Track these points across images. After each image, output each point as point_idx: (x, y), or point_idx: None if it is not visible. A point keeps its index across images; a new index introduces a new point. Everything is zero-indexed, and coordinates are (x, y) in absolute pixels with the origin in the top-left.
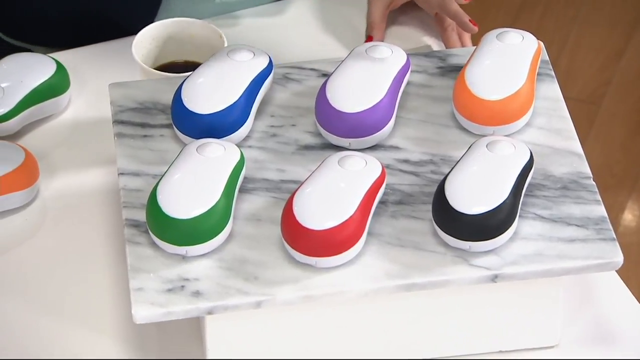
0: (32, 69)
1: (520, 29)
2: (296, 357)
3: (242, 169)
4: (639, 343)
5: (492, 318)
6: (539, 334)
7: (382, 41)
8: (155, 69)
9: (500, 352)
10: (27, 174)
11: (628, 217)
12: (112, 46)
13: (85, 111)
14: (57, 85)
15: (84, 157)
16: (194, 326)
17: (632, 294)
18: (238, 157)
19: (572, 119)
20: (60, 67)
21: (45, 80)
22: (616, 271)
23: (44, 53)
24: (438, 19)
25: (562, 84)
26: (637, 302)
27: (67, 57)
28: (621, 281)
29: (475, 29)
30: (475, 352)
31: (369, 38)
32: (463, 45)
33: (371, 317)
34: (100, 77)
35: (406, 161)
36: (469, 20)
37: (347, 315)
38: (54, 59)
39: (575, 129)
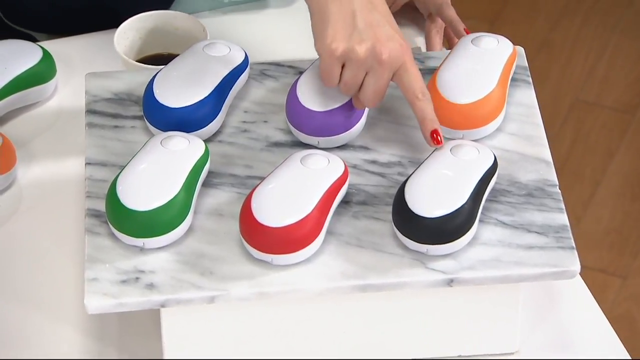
0: (17, 55)
1: (562, 35)
2: (253, 354)
3: (205, 163)
4: (600, 350)
5: (450, 323)
6: (498, 340)
7: None
8: (139, 60)
9: (460, 356)
10: (3, 160)
11: None
12: (103, 36)
13: (71, 100)
14: (42, 73)
15: (65, 146)
16: (156, 319)
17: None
18: (202, 151)
19: (605, 127)
20: (46, 55)
21: (30, 68)
22: (637, 284)
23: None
24: (429, 21)
25: (598, 93)
26: (600, 309)
27: (58, 45)
28: (585, 287)
29: None
30: (433, 356)
31: None
32: None
33: (327, 316)
34: (89, 66)
35: (374, 162)
36: (464, 29)
37: (303, 314)
38: (40, 46)
39: (608, 137)
